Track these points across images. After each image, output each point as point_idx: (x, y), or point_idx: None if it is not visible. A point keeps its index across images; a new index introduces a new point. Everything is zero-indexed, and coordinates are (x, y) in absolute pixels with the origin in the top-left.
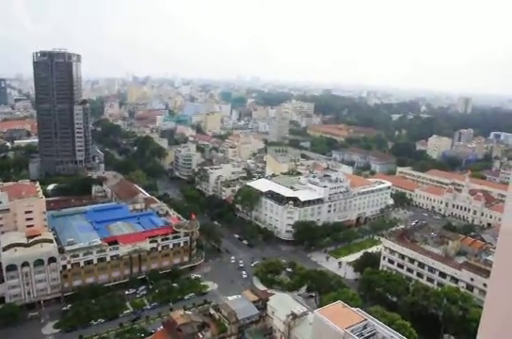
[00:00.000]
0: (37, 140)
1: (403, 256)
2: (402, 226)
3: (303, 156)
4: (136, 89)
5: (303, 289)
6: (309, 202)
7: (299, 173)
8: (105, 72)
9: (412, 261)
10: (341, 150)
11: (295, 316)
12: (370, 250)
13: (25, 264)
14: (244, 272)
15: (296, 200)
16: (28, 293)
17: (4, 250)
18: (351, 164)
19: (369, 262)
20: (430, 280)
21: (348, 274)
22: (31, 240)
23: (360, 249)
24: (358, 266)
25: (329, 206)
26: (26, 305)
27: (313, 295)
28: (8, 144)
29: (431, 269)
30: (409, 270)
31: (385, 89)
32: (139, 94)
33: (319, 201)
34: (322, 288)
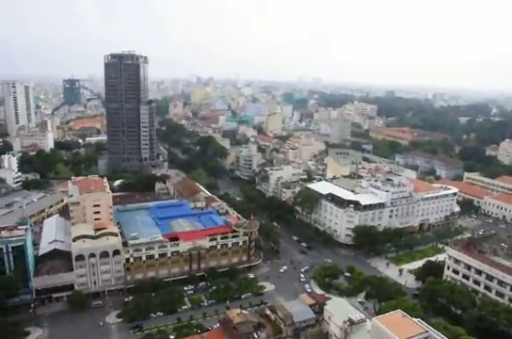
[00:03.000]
0: (106, 138)
1: (469, 267)
2: (468, 235)
3: (365, 159)
4: (199, 90)
5: (361, 295)
6: (370, 207)
7: (361, 177)
8: (170, 74)
9: (479, 273)
10: (404, 153)
11: (352, 323)
12: (433, 259)
13: (92, 255)
14: (302, 275)
15: (356, 203)
16: (94, 282)
17: (74, 240)
18: (415, 168)
19: (432, 271)
20: (500, 294)
21: (409, 282)
22: (98, 233)
23: (423, 256)
24: (420, 274)
25: (391, 211)
26: (92, 294)
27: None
28: (80, 141)
29: (501, 283)
30: (476, 282)
31: (452, 91)
32: (203, 95)
33: (380, 205)
34: (381, 295)
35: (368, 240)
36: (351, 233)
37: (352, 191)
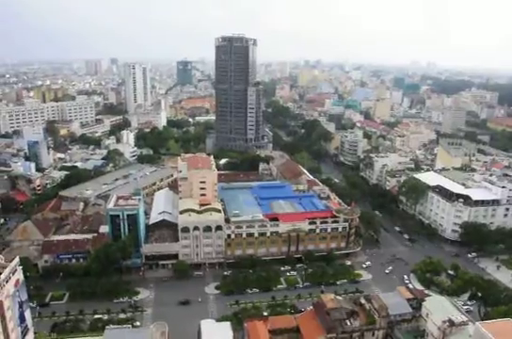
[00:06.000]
0: (214, 118)
1: None
2: None
3: (480, 151)
4: (306, 73)
5: (465, 296)
6: (482, 203)
7: (474, 170)
8: (278, 56)
9: None
10: None
11: (452, 324)
12: None
13: (196, 228)
14: (401, 267)
15: (466, 198)
16: (197, 254)
17: (180, 213)
18: None
19: None
20: None
21: None
22: (203, 208)
23: None
24: None
25: (507, 210)
26: (194, 264)
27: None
28: (190, 120)
29: None
30: None
31: None
32: (310, 77)
33: (495, 202)
34: (488, 299)
35: (477, 238)
36: (459, 229)
37: (463, 185)
